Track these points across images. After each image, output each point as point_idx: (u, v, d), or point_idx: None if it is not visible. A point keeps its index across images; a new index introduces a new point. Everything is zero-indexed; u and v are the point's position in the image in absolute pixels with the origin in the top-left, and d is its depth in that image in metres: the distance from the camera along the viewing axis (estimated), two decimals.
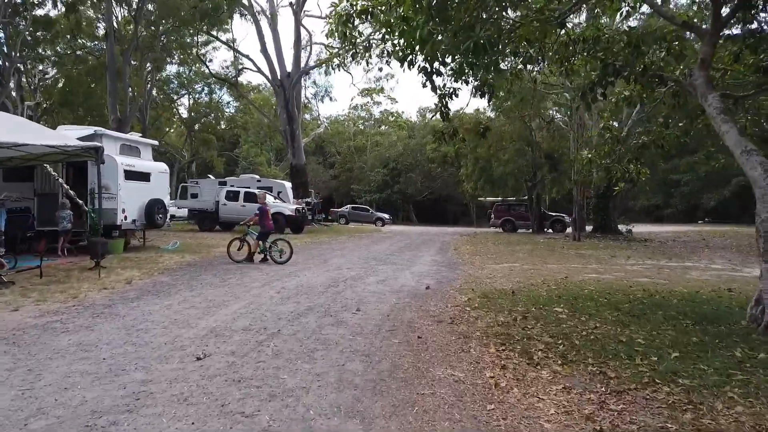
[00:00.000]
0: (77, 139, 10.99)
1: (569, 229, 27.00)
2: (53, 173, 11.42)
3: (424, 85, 6.69)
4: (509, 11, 6.53)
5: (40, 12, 26.96)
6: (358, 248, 16.17)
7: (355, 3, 6.35)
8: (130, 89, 28.93)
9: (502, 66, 7.60)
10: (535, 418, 3.23)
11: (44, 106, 32.63)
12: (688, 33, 7.09)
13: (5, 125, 8.41)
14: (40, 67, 33.29)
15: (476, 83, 7.27)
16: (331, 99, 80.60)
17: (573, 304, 6.76)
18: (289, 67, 29.56)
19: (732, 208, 43.97)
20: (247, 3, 28.77)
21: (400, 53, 6.72)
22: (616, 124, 20.68)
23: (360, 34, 6.68)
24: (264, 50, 29.06)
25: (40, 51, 30.82)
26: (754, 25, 6.99)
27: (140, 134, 16.37)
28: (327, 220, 33.58)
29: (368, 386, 3.69)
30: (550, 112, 29.21)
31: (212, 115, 49.14)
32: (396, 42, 6.15)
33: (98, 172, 9.29)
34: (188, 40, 31.72)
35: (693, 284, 9.13)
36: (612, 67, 6.34)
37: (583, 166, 11.42)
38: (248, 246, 11.38)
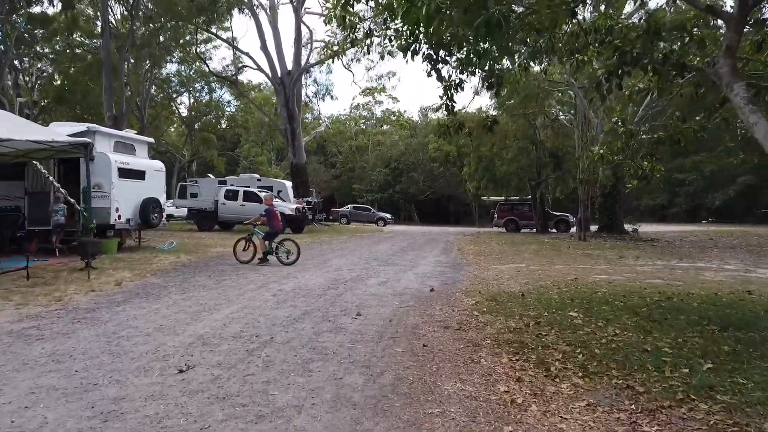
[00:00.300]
0: (69, 135, 10.63)
1: (573, 229, 26.55)
2: (43, 171, 11.03)
3: (429, 74, 6.28)
4: None
5: (37, 9, 26.67)
6: (359, 248, 15.77)
7: None
8: (128, 87, 28.57)
9: (509, 60, 7.20)
10: None
11: (42, 104, 32.30)
12: (711, 20, 6.66)
13: None
14: (39, 65, 32.95)
15: (484, 74, 6.86)
16: (332, 97, 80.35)
17: (587, 308, 6.34)
18: (289, 65, 29.22)
19: (737, 207, 43.47)
20: None
21: (403, 41, 6.31)
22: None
23: (360, 19, 6.27)
24: (264, 47, 28.69)
25: (37, 49, 30.49)
26: None
27: (135, 131, 15.92)
28: (328, 219, 33.21)
29: (369, 404, 3.28)
30: (554, 110, 28.76)
31: (213, 114, 48.75)
32: (399, 25, 5.72)
33: (87, 169, 8.88)
34: (188, 38, 31.39)
35: (709, 286, 8.72)
36: (630, 55, 5.91)
37: (593, 163, 10.93)
38: (254, 246, 11.01)
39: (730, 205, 43.65)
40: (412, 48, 6.27)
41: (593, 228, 24.87)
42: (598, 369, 4.04)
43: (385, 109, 56.81)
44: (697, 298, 7.34)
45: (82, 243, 9.83)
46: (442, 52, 6.42)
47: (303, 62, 30.27)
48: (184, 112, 47.39)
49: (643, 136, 9.70)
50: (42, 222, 12.07)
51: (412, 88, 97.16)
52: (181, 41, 31.70)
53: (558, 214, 30.01)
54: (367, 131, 54.94)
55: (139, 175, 13.21)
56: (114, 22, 28.36)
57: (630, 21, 7.63)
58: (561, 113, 29.34)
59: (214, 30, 31.50)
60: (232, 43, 33.27)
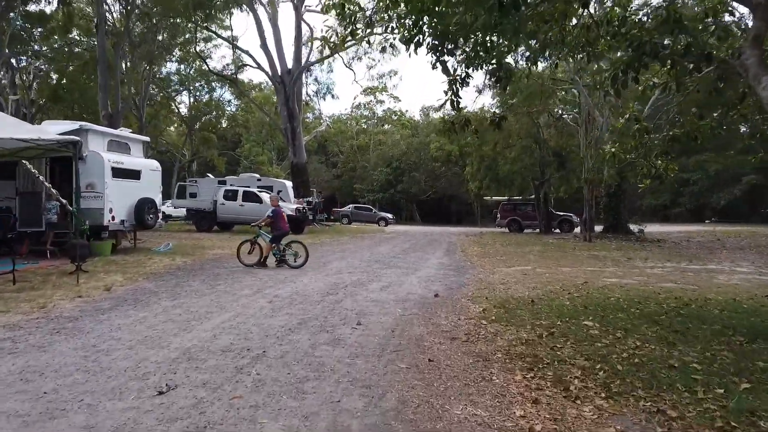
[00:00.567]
0: (61, 134, 10.26)
1: (577, 229, 26.13)
2: (33, 171, 10.66)
3: (434, 66, 5.90)
4: None
5: (33, 7, 26.34)
6: (360, 250, 15.39)
7: None
8: (126, 85, 28.20)
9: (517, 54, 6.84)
10: None
11: (39, 102, 31.96)
12: (735, 8, 6.28)
13: None
14: (37, 63, 32.61)
15: (490, 68, 6.48)
16: (333, 96, 79.81)
17: (603, 317, 5.95)
18: (289, 63, 28.85)
19: (741, 207, 42.97)
20: None
21: (406, 33, 5.94)
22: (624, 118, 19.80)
23: (360, 8, 5.89)
24: (264, 45, 28.32)
25: (35, 47, 30.16)
26: None
27: (131, 130, 15.55)
28: (329, 219, 32.85)
29: None
30: (558, 109, 28.33)
31: (213, 113, 48.37)
32: (401, 12, 5.34)
33: (75, 168, 8.51)
34: (187, 36, 31.03)
35: (725, 290, 8.33)
36: (649, 45, 5.52)
37: (604, 162, 10.54)
38: (260, 249, 10.57)
39: (735, 205, 43.13)
40: (415, 40, 5.90)
41: (598, 228, 24.46)
42: (622, 388, 3.66)
43: (387, 108, 56.48)
44: (716, 304, 6.95)
45: (71, 245, 9.47)
46: (447, 45, 6.05)
47: (303, 60, 29.91)
48: (184, 111, 47.03)
49: (662, 134, 9.30)
50: (34, 223, 11.70)
51: (414, 87, 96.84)
52: (180, 40, 31.36)
53: (561, 214, 29.58)
54: (369, 131, 54.56)
55: (134, 174, 12.83)
56: (111, 20, 27.98)
57: (642, 12, 7.20)
58: (564, 113, 28.89)
59: (213, 28, 31.16)
60: (231, 41, 32.95)
